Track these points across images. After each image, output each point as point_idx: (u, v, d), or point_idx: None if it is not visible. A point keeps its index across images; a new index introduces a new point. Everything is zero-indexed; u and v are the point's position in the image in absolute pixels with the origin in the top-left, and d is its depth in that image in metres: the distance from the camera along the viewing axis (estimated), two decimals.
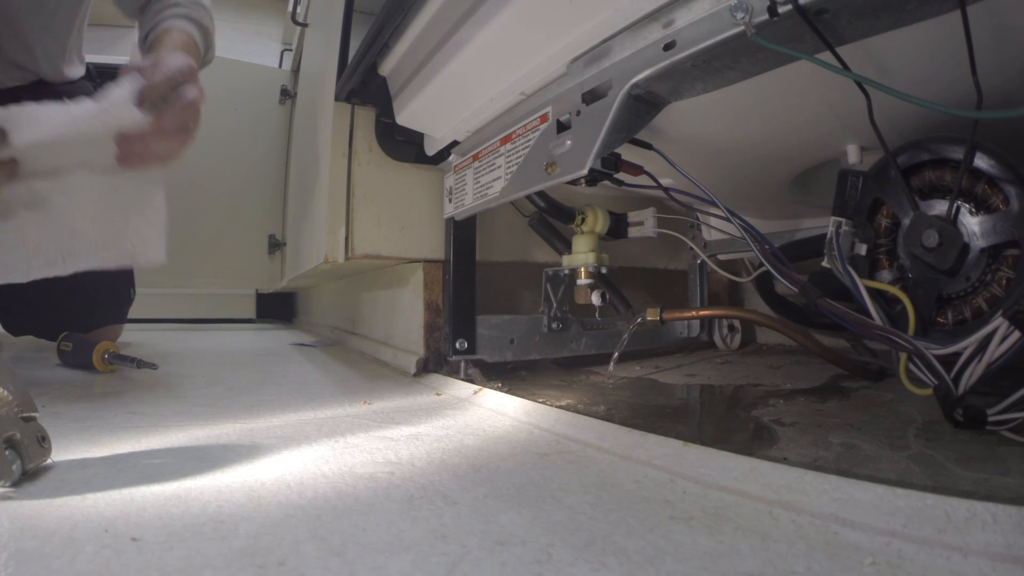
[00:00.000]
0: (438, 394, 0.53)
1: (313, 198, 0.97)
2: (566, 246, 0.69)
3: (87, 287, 0.81)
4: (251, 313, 1.92)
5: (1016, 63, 0.35)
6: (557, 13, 0.45)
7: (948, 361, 0.34)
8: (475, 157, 0.63)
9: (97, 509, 0.23)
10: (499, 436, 0.35)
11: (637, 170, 0.50)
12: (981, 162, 0.36)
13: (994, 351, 0.32)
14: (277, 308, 2.09)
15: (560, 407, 0.41)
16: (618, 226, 0.68)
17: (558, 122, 0.48)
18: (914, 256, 0.39)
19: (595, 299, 0.63)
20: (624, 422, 0.35)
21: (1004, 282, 0.36)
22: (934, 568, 0.18)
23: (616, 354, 0.61)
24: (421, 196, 0.80)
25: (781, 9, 0.31)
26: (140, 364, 0.63)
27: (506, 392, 0.49)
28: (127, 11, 0.70)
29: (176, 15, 0.65)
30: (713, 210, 0.49)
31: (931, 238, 0.37)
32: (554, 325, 0.70)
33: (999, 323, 0.31)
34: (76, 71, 0.82)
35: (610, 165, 0.45)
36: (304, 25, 1.35)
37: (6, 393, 0.26)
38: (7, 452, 0.25)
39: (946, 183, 0.38)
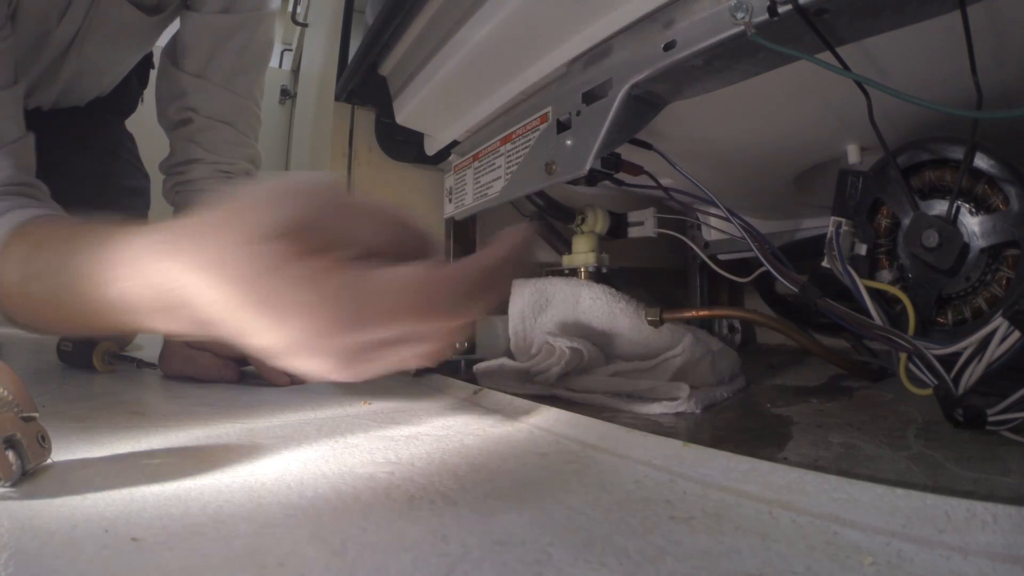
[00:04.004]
0: (438, 394, 0.52)
1: None
2: (566, 246, 0.69)
3: None
4: None
5: (1016, 63, 0.35)
6: (557, 13, 0.45)
7: (948, 361, 0.34)
8: (475, 157, 0.63)
9: (97, 509, 0.23)
10: (499, 436, 0.35)
11: (637, 170, 0.50)
12: (981, 162, 0.36)
13: (994, 351, 0.32)
14: None
15: (560, 407, 0.41)
16: (618, 226, 0.68)
17: (558, 122, 0.48)
18: (914, 256, 0.39)
19: None
20: (624, 422, 0.35)
21: (1004, 282, 0.36)
22: (934, 568, 0.18)
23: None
24: (421, 196, 0.80)
25: (781, 9, 0.31)
26: (140, 364, 0.63)
27: (506, 392, 0.49)
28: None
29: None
30: (713, 210, 0.49)
31: (931, 238, 0.37)
32: None
33: (999, 323, 0.31)
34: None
35: (610, 165, 0.45)
36: (304, 25, 1.35)
37: (6, 393, 0.26)
38: (7, 452, 0.25)
39: (946, 183, 0.38)
